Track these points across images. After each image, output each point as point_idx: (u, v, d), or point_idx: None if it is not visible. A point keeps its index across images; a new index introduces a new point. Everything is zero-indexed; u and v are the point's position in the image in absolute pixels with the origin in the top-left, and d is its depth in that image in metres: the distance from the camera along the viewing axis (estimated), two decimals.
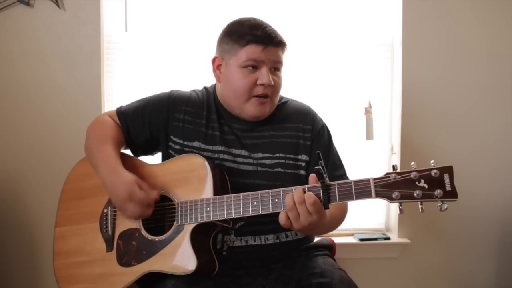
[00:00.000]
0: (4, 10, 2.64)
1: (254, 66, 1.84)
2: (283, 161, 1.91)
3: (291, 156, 1.92)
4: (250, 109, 1.88)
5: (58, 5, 2.65)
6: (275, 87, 1.88)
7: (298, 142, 1.95)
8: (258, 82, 1.84)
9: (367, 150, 2.87)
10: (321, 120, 2.05)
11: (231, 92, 1.90)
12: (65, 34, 2.69)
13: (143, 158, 2.01)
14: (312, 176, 1.59)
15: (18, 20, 2.66)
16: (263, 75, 1.83)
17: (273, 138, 1.94)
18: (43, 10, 2.66)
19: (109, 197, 1.84)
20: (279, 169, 1.89)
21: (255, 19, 1.91)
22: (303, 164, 1.93)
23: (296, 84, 2.71)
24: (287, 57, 1.94)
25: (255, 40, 1.82)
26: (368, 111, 2.77)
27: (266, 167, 1.89)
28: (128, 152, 2.03)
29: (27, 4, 2.62)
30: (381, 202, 2.91)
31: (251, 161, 1.90)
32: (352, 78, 2.89)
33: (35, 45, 2.68)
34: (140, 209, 1.73)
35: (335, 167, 1.98)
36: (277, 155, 1.91)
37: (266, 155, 1.91)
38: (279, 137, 1.94)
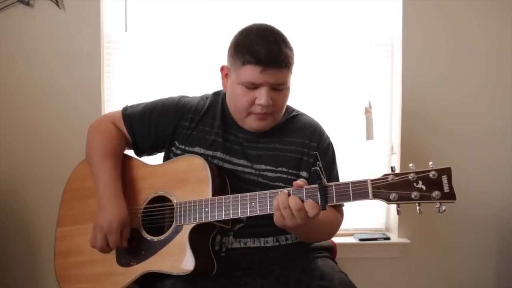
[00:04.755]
0: (4, 10, 2.64)
1: (255, 85, 1.79)
2: (285, 176, 1.88)
3: (293, 171, 1.90)
4: (250, 124, 1.86)
5: (58, 5, 2.65)
6: (276, 106, 1.82)
7: (302, 159, 1.92)
8: (256, 102, 1.79)
9: (367, 150, 2.87)
10: (327, 138, 2.02)
11: (232, 106, 1.89)
12: (65, 34, 2.69)
13: (144, 158, 2.01)
14: (296, 183, 1.59)
15: (18, 20, 2.67)
16: (261, 95, 1.77)
17: (278, 151, 1.92)
18: (43, 10, 2.67)
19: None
20: (280, 183, 1.86)
21: (264, 30, 1.82)
22: None
23: (297, 84, 2.70)
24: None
25: (253, 61, 1.74)
26: (368, 111, 2.77)
27: (267, 179, 1.88)
28: (130, 152, 2.03)
29: (27, 4, 2.63)
30: (381, 203, 2.90)
31: (252, 171, 1.88)
32: (352, 78, 2.89)
33: (35, 45, 2.69)
34: (103, 246, 1.76)
35: None
36: (280, 169, 1.89)
37: (268, 167, 1.89)
38: (284, 150, 1.92)
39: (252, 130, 1.89)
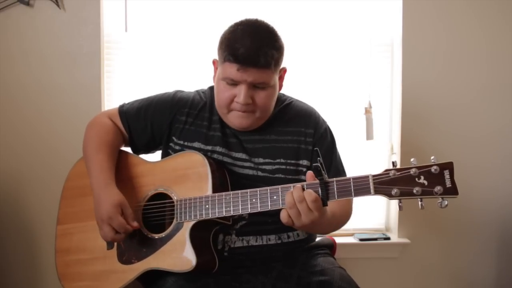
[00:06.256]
0: (4, 10, 2.64)
1: (234, 82, 1.79)
2: (283, 166, 1.88)
3: (292, 161, 1.89)
4: (233, 122, 1.86)
5: (58, 5, 2.65)
6: (257, 105, 1.81)
7: (300, 147, 1.91)
8: (235, 99, 1.79)
9: (367, 150, 2.87)
10: (324, 122, 2.01)
11: (216, 101, 1.89)
12: (65, 34, 2.69)
13: (143, 156, 2.01)
14: (309, 173, 1.58)
15: (18, 20, 2.66)
16: (240, 92, 1.77)
17: (275, 143, 1.91)
18: (43, 10, 2.66)
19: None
20: (280, 175, 1.87)
21: (249, 27, 1.81)
22: (304, 169, 1.88)
23: (296, 84, 2.71)
24: (287, 58, 1.91)
25: (231, 59, 1.74)
26: (368, 111, 2.77)
27: (266, 172, 1.87)
28: (129, 149, 2.03)
29: (27, 4, 2.63)
30: (381, 202, 2.91)
31: (251, 165, 1.88)
32: (352, 78, 2.89)
33: (35, 45, 2.68)
34: (113, 234, 1.72)
35: (338, 173, 1.94)
36: (278, 160, 1.88)
37: (266, 160, 1.88)
38: (281, 141, 1.91)
39: (236, 128, 1.88)
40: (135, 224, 1.74)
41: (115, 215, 1.70)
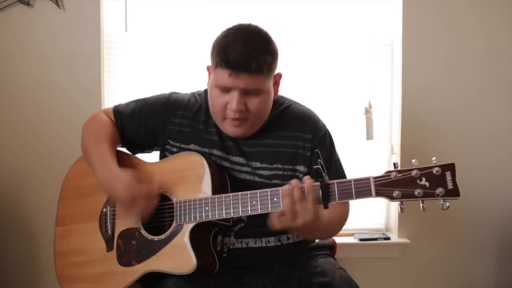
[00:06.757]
0: (4, 10, 2.64)
1: (226, 89, 1.75)
2: (280, 172, 1.86)
3: (289, 167, 1.87)
4: (227, 130, 1.83)
5: (58, 5, 2.64)
6: (250, 112, 1.77)
7: (297, 152, 1.88)
8: (228, 106, 1.75)
9: (367, 150, 2.87)
10: (323, 126, 1.97)
11: (210, 108, 1.86)
12: (65, 34, 2.69)
13: (141, 156, 2.00)
14: (306, 178, 1.56)
15: (18, 20, 2.66)
16: (232, 99, 1.73)
17: (272, 147, 1.88)
18: (43, 10, 2.66)
19: (108, 197, 1.83)
20: (277, 181, 1.83)
21: (242, 32, 1.76)
22: (301, 175, 1.83)
23: (296, 84, 2.71)
24: (287, 58, 1.89)
25: (223, 64, 1.70)
26: (368, 111, 2.77)
27: (263, 178, 1.85)
28: (125, 150, 2.03)
29: (27, 4, 2.62)
30: (381, 202, 2.91)
31: (248, 169, 1.86)
32: (352, 78, 2.88)
33: (35, 45, 2.68)
34: (147, 204, 1.72)
35: (338, 176, 1.87)
36: (275, 165, 1.86)
37: (264, 165, 1.86)
38: (278, 146, 1.88)
39: (230, 135, 1.86)
40: (156, 185, 1.74)
41: (137, 186, 1.69)
